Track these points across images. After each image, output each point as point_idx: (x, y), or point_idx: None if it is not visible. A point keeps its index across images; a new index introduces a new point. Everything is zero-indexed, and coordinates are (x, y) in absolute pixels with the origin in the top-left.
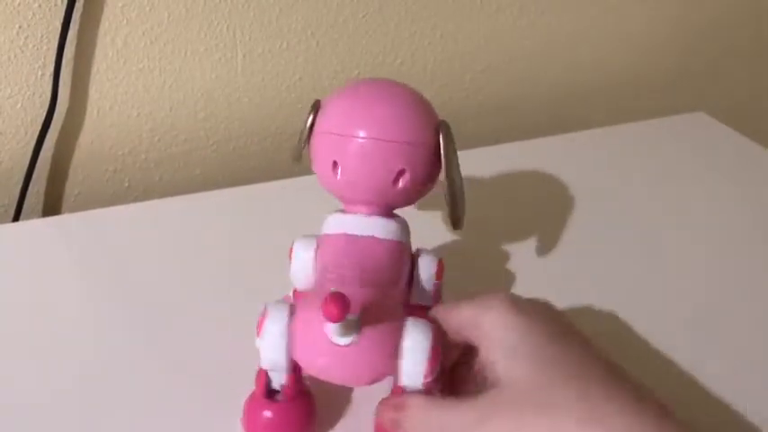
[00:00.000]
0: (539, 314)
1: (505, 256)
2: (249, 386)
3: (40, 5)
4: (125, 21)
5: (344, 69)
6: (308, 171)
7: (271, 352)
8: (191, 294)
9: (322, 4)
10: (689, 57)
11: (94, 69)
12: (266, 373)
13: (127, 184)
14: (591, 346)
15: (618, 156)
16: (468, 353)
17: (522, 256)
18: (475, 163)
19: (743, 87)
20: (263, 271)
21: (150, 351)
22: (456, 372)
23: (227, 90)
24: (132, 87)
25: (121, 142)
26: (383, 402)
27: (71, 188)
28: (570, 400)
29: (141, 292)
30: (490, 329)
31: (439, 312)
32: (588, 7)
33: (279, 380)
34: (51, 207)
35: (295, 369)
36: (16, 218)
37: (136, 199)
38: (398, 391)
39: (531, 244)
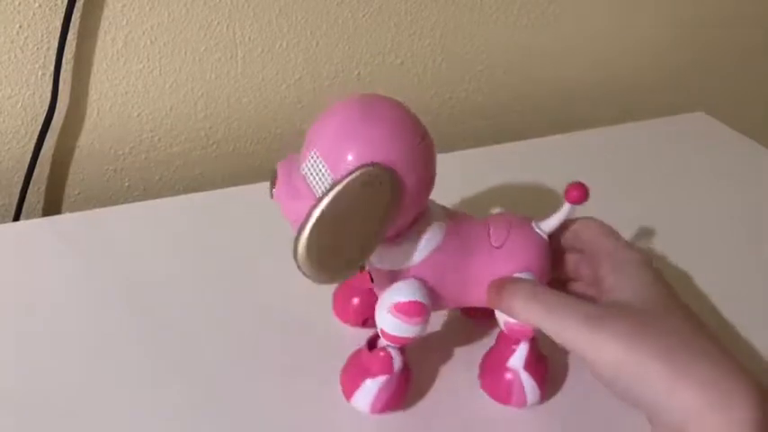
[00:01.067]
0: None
1: None
2: (248, 386)
3: (40, 5)
4: (125, 21)
5: (344, 69)
6: None
7: None
8: (191, 294)
9: (322, 4)
10: (689, 57)
11: (94, 69)
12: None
13: (127, 184)
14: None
15: (618, 156)
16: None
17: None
18: (475, 163)
19: (743, 87)
20: (263, 271)
21: (150, 351)
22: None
23: (227, 90)
24: (132, 87)
25: (121, 142)
26: (493, 280)
27: (71, 188)
28: (689, 339)
29: (141, 291)
30: (625, 264)
31: (579, 224)
32: (588, 8)
33: None
34: (51, 207)
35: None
36: (16, 218)
37: (136, 199)
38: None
39: None
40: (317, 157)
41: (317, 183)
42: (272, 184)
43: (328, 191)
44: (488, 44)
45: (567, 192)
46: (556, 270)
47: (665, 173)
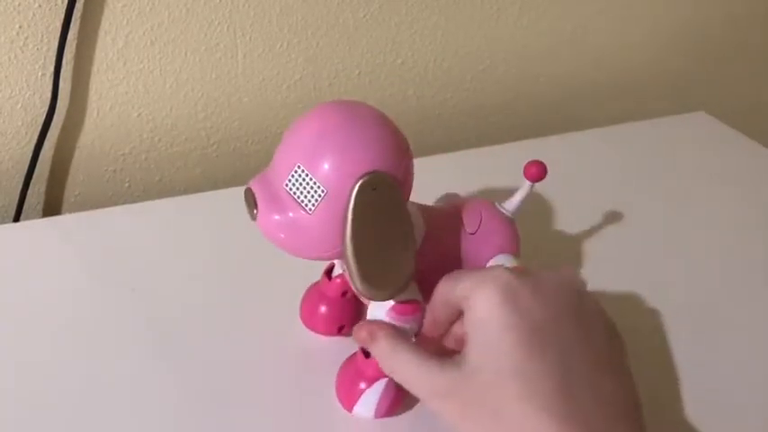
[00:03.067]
0: (532, 300)
1: None
2: (248, 387)
3: (40, 5)
4: (125, 21)
5: (344, 69)
6: None
7: None
8: (191, 294)
9: (322, 4)
10: (689, 57)
11: (94, 69)
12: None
13: (127, 184)
14: (590, 335)
15: (618, 155)
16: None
17: (521, 256)
18: (475, 163)
19: (744, 87)
20: (263, 271)
21: (150, 351)
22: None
23: (227, 90)
24: (132, 87)
25: (121, 142)
26: (359, 324)
27: (71, 188)
28: (513, 414)
29: (141, 291)
30: (476, 311)
31: (444, 279)
32: (589, 7)
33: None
34: (51, 207)
35: None
36: (16, 218)
37: (136, 199)
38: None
39: (530, 244)
40: (303, 171)
41: (307, 197)
42: (253, 206)
43: (345, 213)
44: (488, 44)
45: (525, 169)
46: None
47: (665, 173)
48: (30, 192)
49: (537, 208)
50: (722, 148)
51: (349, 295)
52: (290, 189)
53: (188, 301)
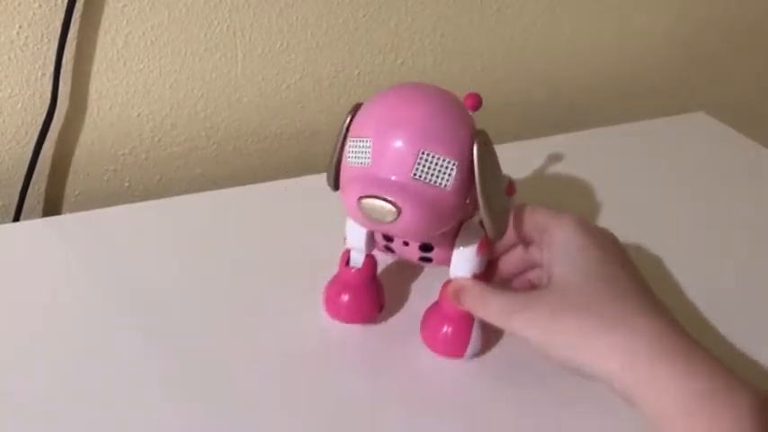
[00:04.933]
0: (602, 239)
1: None
2: (248, 387)
3: (40, 5)
4: (125, 21)
5: (344, 69)
6: (307, 171)
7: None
8: (191, 294)
9: (322, 4)
10: (689, 57)
11: (94, 69)
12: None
13: (127, 184)
14: (637, 277)
15: (618, 156)
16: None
17: None
18: None
19: (743, 87)
20: (263, 271)
21: (150, 351)
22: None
23: (227, 90)
24: (132, 87)
25: (121, 142)
26: (446, 283)
27: (71, 188)
28: (604, 305)
29: (141, 292)
30: (557, 238)
31: (518, 210)
32: (588, 7)
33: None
34: (51, 207)
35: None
36: (16, 218)
37: (136, 199)
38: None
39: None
40: (429, 154)
41: (440, 176)
42: (390, 214)
43: (472, 173)
44: (488, 44)
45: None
46: (509, 263)
47: (665, 173)
48: (30, 191)
49: None
50: (722, 148)
51: (369, 279)
52: (421, 176)
53: (188, 301)
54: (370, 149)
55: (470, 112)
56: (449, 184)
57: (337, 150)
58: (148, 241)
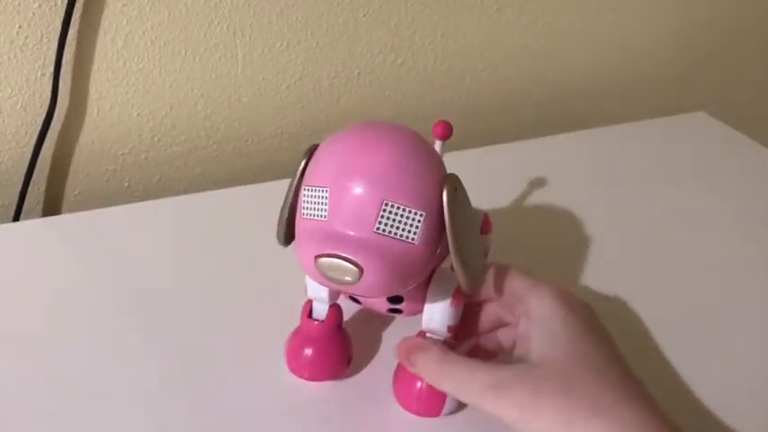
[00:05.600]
0: (582, 312)
1: (505, 256)
2: (249, 387)
3: (40, 5)
4: (125, 21)
5: (344, 69)
6: None
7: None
8: (191, 294)
9: (322, 4)
10: (689, 57)
11: (94, 69)
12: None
13: (127, 184)
14: (617, 356)
15: (618, 155)
16: (495, 325)
17: (520, 256)
18: (475, 163)
19: (743, 87)
20: (263, 271)
21: (150, 351)
22: (480, 343)
23: (227, 90)
24: (132, 87)
25: (121, 142)
26: (404, 340)
27: (71, 188)
28: (586, 389)
29: (141, 291)
30: (536, 310)
31: (493, 270)
32: (589, 7)
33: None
34: (51, 207)
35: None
36: (16, 218)
37: (135, 199)
38: (422, 335)
39: (529, 244)
40: (393, 205)
41: (406, 228)
42: (350, 273)
43: (442, 224)
44: (488, 44)
45: (433, 129)
46: (476, 325)
47: (665, 173)
48: (29, 191)
49: (536, 208)
50: (722, 148)
51: (333, 331)
52: (385, 230)
53: (188, 301)
54: (327, 200)
55: (440, 149)
56: (416, 237)
57: (290, 200)
58: (148, 241)
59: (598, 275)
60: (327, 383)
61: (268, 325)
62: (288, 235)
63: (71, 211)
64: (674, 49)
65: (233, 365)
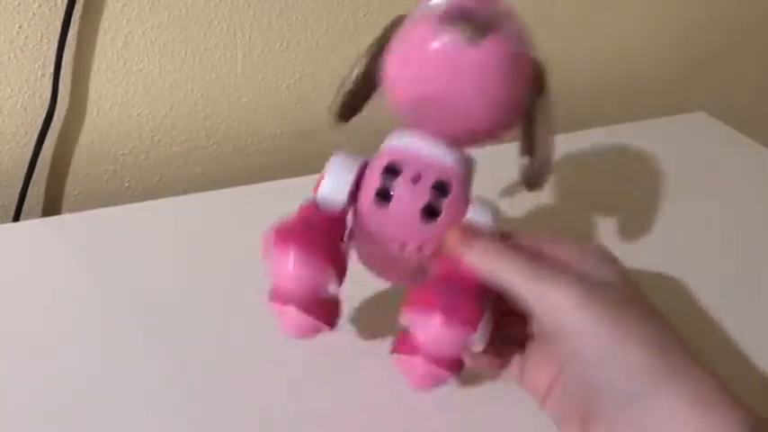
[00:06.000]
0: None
1: None
2: (249, 387)
3: (40, 5)
4: (125, 21)
5: (344, 69)
6: (307, 171)
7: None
8: (191, 294)
9: (322, 4)
10: (689, 57)
11: (94, 69)
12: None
13: (127, 184)
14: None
15: (618, 155)
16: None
17: None
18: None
19: (743, 87)
20: (263, 271)
21: (150, 351)
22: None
23: (227, 90)
24: (132, 87)
25: (121, 142)
26: (453, 227)
27: (71, 188)
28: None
29: (141, 291)
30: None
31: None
32: (588, 7)
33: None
34: (51, 207)
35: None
36: (16, 218)
37: (135, 199)
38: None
39: None
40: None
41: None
42: (473, 30)
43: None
44: None
45: None
46: None
47: (665, 173)
48: (29, 191)
49: (537, 208)
50: (722, 148)
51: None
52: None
53: (188, 301)
54: None
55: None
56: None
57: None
58: (148, 241)
59: None
60: (328, 384)
61: (268, 325)
62: (349, 105)
63: (71, 211)
64: (674, 49)
65: (233, 365)
